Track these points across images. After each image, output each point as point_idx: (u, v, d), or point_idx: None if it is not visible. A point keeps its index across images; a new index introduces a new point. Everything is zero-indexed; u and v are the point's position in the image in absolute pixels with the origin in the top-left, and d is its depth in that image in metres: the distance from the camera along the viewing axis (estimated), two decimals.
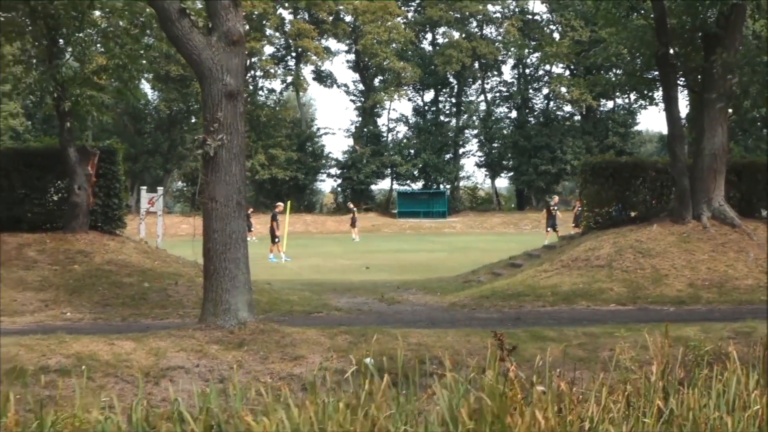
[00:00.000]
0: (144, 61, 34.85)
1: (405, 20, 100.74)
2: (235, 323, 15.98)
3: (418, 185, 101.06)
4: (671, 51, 30.94)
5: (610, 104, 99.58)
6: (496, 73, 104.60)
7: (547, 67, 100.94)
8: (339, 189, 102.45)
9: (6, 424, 9.54)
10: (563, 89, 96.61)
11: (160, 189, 55.92)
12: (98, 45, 34.11)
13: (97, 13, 32.32)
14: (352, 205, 76.01)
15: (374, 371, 10.58)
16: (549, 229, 52.93)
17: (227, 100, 16.74)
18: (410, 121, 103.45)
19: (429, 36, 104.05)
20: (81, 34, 32.40)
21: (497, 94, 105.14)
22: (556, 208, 56.97)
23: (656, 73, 33.86)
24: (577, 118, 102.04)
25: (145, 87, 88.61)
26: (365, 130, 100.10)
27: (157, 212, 50.17)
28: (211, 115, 16.76)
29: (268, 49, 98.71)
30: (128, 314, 23.71)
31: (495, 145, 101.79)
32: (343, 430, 9.53)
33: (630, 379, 10.98)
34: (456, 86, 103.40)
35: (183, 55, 17.89)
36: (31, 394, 11.73)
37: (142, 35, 32.99)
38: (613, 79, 61.32)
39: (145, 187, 55.28)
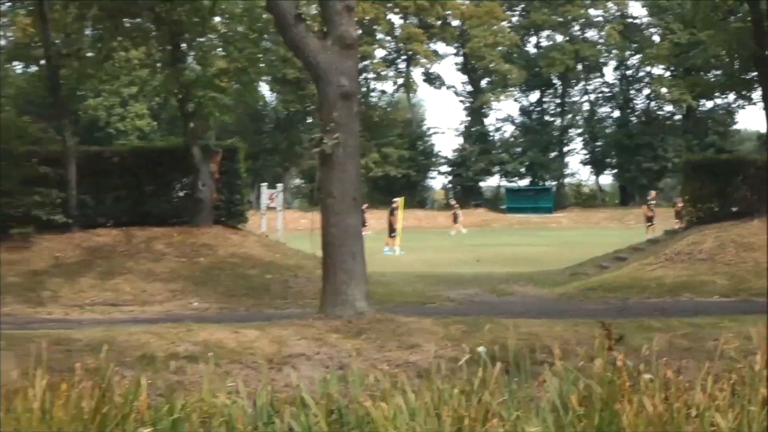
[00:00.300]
0: (262, 65, 35.16)
1: (510, 24, 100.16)
2: (353, 313, 16.05)
3: (525, 182, 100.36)
4: None
5: (709, 104, 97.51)
6: (598, 74, 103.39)
7: (648, 68, 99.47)
8: (449, 186, 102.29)
9: (138, 407, 9.72)
10: (664, 89, 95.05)
11: (280, 185, 56.36)
12: (219, 49, 34.59)
13: (218, 18, 32.72)
14: (454, 202, 75.95)
15: (487, 359, 10.54)
16: (648, 223, 52.48)
17: (342, 100, 16.83)
18: (516, 121, 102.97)
19: (533, 39, 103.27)
20: (203, 39, 32.87)
21: (600, 95, 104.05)
22: (653, 203, 56.37)
23: (755, 74, 33.27)
24: (678, 117, 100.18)
25: (264, 89, 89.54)
26: (473, 129, 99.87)
27: (277, 207, 50.52)
28: (327, 116, 16.88)
29: (380, 53, 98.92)
30: (251, 304, 24.04)
31: (598, 143, 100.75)
32: (457, 415, 9.54)
33: (735, 368, 10.81)
34: (560, 87, 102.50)
35: (300, 58, 18.04)
36: (162, 379, 11.89)
37: (260, 40, 33.37)
38: (713, 79, 60.33)
39: (265, 184, 55.62)
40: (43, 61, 41.36)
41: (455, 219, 70.41)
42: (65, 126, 31.64)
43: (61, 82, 31.65)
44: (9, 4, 38.04)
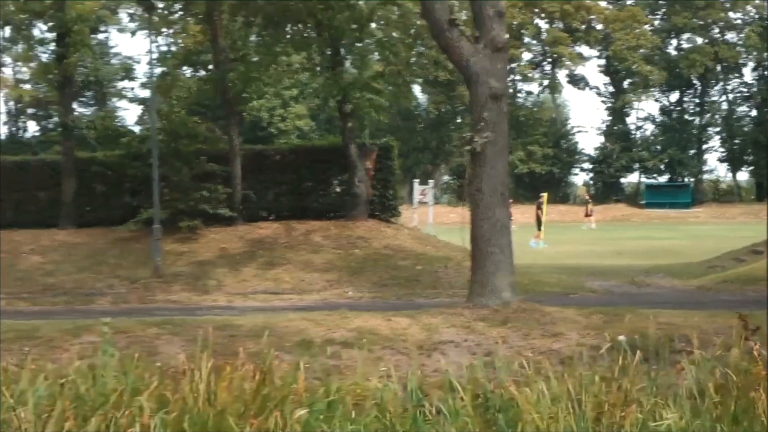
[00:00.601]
0: (416, 68, 35.26)
1: (652, 27, 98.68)
2: (500, 302, 15.99)
3: (663, 178, 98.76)
4: None
5: None
6: (737, 75, 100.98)
7: None
8: (591, 182, 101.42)
9: (296, 390, 9.83)
10: None
11: (431, 182, 56.60)
12: (375, 53, 34.85)
13: (374, 24, 32.92)
14: (587, 197, 75.30)
15: (627, 348, 10.42)
16: None
17: (492, 101, 16.80)
18: (657, 120, 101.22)
19: (674, 41, 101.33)
20: (360, 44, 33.13)
21: (738, 94, 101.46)
22: None
23: None
24: None
25: (416, 90, 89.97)
26: (615, 128, 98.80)
27: (428, 202, 50.75)
28: (477, 115, 16.87)
29: (526, 56, 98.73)
30: (403, 293, 24.14)
31: (736, 141, 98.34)
32: (597, 400, 9.46)
33: None
34: (699, 87, 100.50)
35: (452, 61, 18.05)
36: (318, 363, 12.04)
37: (414, 44, 33.50)
38: None
39: (417, 180, 55.95)
40: (210, 66, 42.33)
41: (587, 213, 69.77)
42: (231, 126, 32.29)
43: (228, 85, 32.25)
44: (180, 13, 38.92)
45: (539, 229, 46.81)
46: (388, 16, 32.74)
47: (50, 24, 36.03)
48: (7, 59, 79.27)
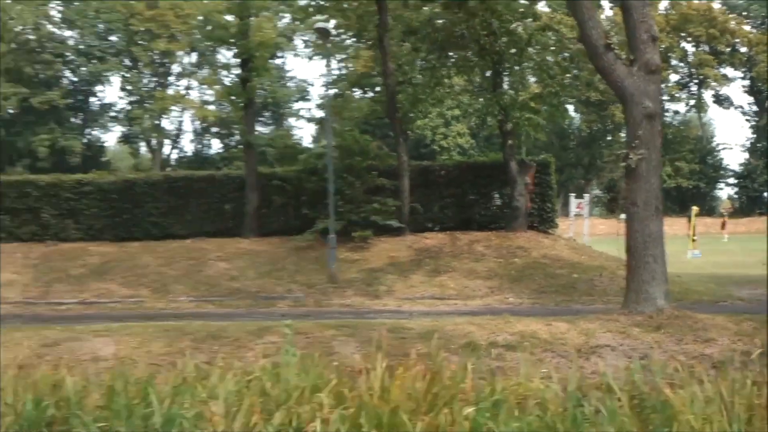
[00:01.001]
0: (570, 89, 35.03)
1: None
2: (654, 309, 15.79)
3: None
4: None
5: None
6: None
7: None
8: (735, 196, 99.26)
9: (464, 389, 9.88)
10: None
11: (586, 195, 56.04)
12: (533, 76, 34.84)
13: (530, 49, 32.83)
14: (724, 210, 73.73)
15: None
16: None
17: (647, 120, 16.64)
18: None
19: None
20: (518, 67, 33.11)
21: None
22: None
23: None
24: None
25: (570, 110, 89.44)
26: (759, 144, 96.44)
27: (584, 215, 50.27)
28: (632, 134, 16.76)
29: (674, 77, 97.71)
30: (560, 300, 23.99)
31: None
32: (749, 403, 9.26)
33: None
34: None
35: (608, 82, 17.90)
36: (483, 364, 12.07)
37: (570, 67, 33.32)
38: None
39: (573, 194, 55.45)
40: (377, 88, 42.79)
41: (723, 225, 68.44)
42: (400, 144, 32.55)
43: (397, 106, 32.57)
44: (353, 40, 39.50)
45: (693, 240, 45.90)
46: (546, 41, 32.62)
47: (235, 51, 36.98)
48: (194, 83, 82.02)
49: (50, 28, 77.27)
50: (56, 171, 46.63)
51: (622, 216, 18.12)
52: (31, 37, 74.62)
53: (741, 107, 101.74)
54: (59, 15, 77.77)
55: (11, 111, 73.21)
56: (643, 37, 16.79)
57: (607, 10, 70.25)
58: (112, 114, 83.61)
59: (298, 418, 8.92)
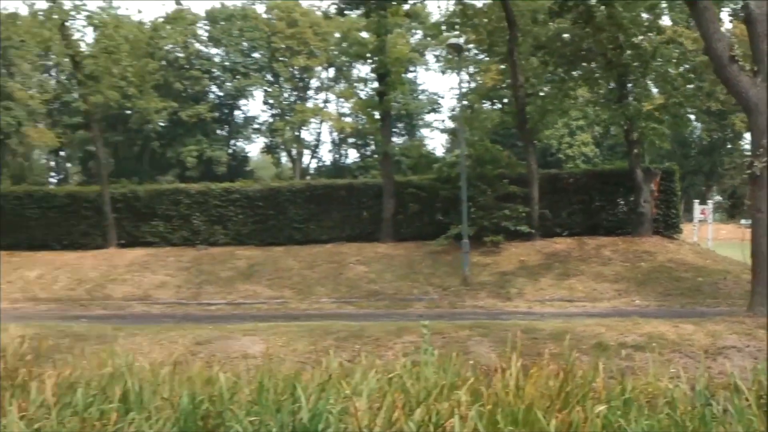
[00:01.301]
0: (693, 99, 34.40)
1: None
2: None
3: None
4: None
5: None
6: None
7: None
8: None
9: (595, 387, 9.88)
10: None
11: (710, 202, 54.95)
12: (656, 87, 34.38)
13: (655, 61, 32.38)
14: None
15: None
16: None
17: None
18: None
19: None
20: (643, 79, 32.70)
21: None
22: None
23: None
24: None
25: (691, 119, 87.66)
26: None
27: (708, 220, 49.26)
28: (756, 142, 16.49)
29: None
30: (685, 303, 23.63)
31: None
32: None
33: None
34: None
35: (732, 93, 17.63)
36: (614, 364, 12.04)
37: (692, 78, 32.78)
38: None
39: (697, 200, 54.34)
40: (505, 100, 42.64)
41: None
42: (529, 153, 32.47)
43: (527, 117, 32.52)
44: (484, 55, 39.50)
45: None
46: (669, 54, 32.13)
47: (372, 66, 37.39)
48: (331, 96, 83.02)
49: (198, 46, 79.67)
50: (204, 180, 47.77)
51: (743, 221, 17.84)
52: (180, 54, 77.12)
53: None
54: (206, 34, 79.86)
55: (162, 124, 75.63)
56: (766, 49, 16.50)
57: (727, 23, 68.62)
58: (255, 126, 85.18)
59: (437, 415, 8.94)
